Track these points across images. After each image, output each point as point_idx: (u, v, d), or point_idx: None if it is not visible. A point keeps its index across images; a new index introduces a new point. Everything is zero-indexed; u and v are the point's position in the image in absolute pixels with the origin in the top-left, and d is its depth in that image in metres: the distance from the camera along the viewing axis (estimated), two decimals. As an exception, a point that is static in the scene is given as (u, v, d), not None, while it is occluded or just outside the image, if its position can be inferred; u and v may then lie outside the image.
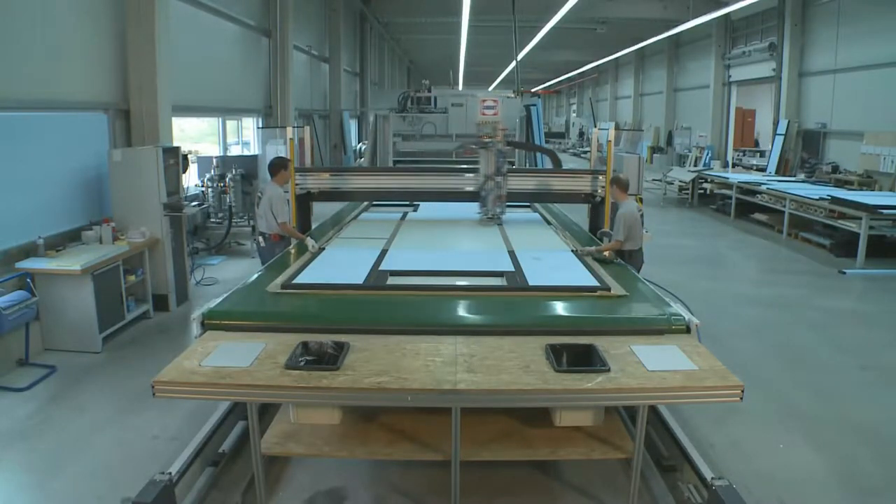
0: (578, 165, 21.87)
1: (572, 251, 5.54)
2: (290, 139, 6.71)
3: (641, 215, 5.73)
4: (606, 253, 5.32)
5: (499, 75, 36.70)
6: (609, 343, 3.46)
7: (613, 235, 5.54)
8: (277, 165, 6.18)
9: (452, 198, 7.16)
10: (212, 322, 3.71)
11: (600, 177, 6.75)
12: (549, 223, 7.09)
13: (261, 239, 6.25)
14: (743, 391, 3.04)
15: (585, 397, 3.09)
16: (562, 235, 6.32)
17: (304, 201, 6.90)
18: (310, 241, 5.62)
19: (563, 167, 8.26)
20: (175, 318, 6.89)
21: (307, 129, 7.77)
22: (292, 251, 5.63)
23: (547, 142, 17.69)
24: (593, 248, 5.48)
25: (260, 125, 13.02)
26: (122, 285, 6.28)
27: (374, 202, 8.06)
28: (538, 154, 12.35)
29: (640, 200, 6.54)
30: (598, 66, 33.80)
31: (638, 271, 5.33)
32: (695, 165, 20.49)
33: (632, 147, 7.32)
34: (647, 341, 3.53)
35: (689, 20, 17.20)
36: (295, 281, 4.43)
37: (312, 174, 6.97)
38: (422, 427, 3.61)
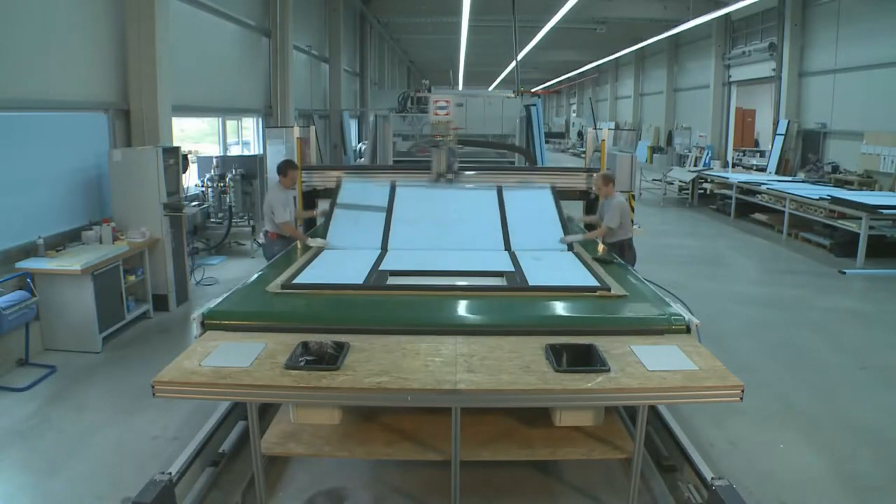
0: (577, 165, 21.85)
1: (570, 251, 5.55)
2: (299, 138, 6.77)
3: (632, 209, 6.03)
4: (600, 249, 5.54)
5: (499, 75, 36.67)
6: (609, 343, 3.46)
7: (606, 221, 5.89)
8: (284, 167, 6.24)
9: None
10: (212, 322, 3.71)
11: (595, 174, 6.80)
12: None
13: (261, 235, 6.33)
14: (743, 391, 3.04)
15: (585, 397, 3.09)
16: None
17: (310, 198, 6.98)
18: (311, 241, 5.67)
19: (557, 165, 8.32)
20: (175, 318, 6.90)
21: (312, 129, 7.80)
22: (299, 246, 5.69)
23: (547, 142, 17.69)
24: (584, 218, 6.13)
25: (260, 125, 13.03)
26: (122, 285, 6.28)
27: None
28: (539, 152, 12.36)
29: (633, 198, 6.68)
30: (598, 66, 33.78)
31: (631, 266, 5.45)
32: (695, 165, 20.48)
33: (629, 146, 7.40)
34: (647, 341, 3.53)
35: (689, 20, 17.20)
36: (295, 281, 4.43)
37: (318, 172, 7.02)
38: (422, 427, 3.61)
